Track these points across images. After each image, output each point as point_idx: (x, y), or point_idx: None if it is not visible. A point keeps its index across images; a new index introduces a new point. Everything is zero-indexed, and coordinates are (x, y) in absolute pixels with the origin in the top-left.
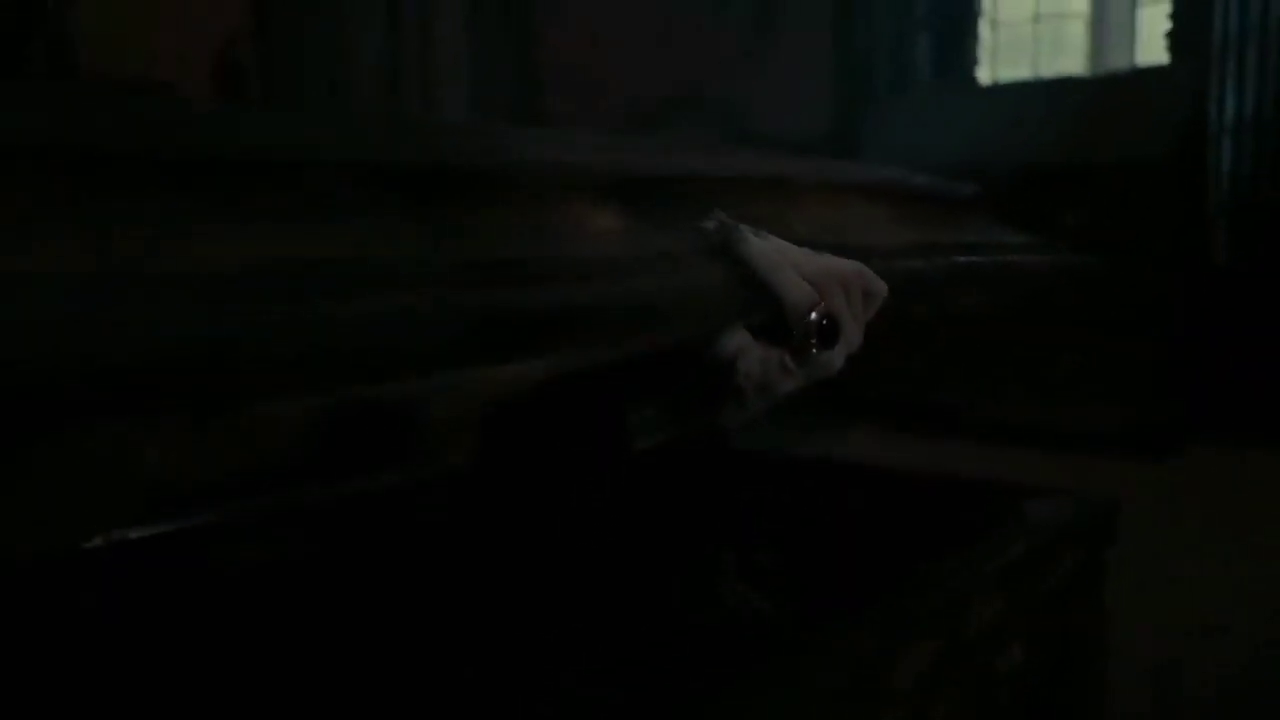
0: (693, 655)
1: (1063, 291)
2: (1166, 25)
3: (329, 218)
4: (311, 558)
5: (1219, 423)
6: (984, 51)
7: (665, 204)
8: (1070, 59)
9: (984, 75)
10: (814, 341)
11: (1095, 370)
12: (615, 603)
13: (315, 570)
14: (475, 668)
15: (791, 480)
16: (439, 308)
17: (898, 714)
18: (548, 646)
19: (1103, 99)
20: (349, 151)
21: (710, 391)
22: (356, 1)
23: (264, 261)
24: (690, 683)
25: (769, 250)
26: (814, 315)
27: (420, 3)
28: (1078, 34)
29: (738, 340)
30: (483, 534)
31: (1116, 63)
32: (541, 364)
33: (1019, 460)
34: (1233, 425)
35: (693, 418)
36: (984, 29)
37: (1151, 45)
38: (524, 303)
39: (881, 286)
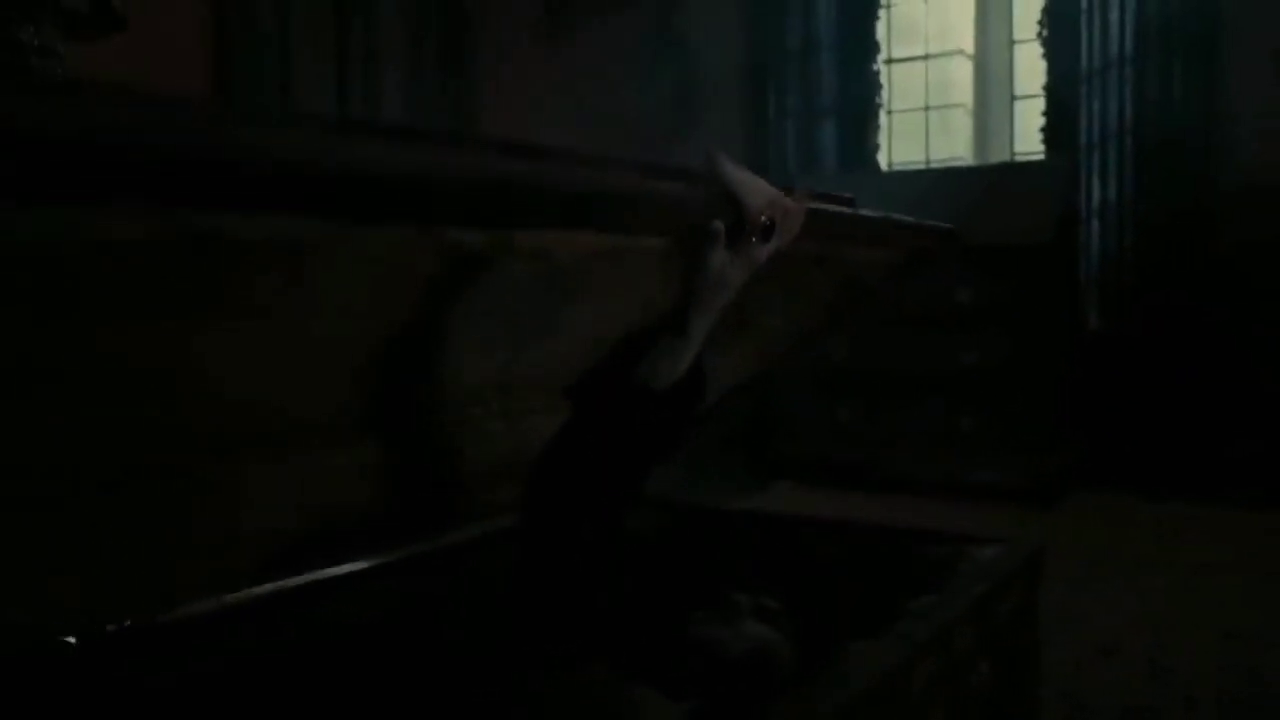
0: (745, 673)
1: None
2: (1040, 119)
3: None
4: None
5: (1098, 473)
6: (883, 137)
7: None
8: (957, 144)
9: (882, 159)
10: (756, 238)
11: (990, 428)
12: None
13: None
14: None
15: (766, 533)
16: None
17: (912, 716)
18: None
19: (992, 185)
20: None
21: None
22: (308, 74)
23: None
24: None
25: (738, 170)
26: (763, 217)
27: (367, 82)
28: (964, 122)
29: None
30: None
31: (997, 148)
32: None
33: (921, 509)
34: (1110, 475)
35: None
36: (883, 117)
37: (1027, 135)
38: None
39: (801, 209)
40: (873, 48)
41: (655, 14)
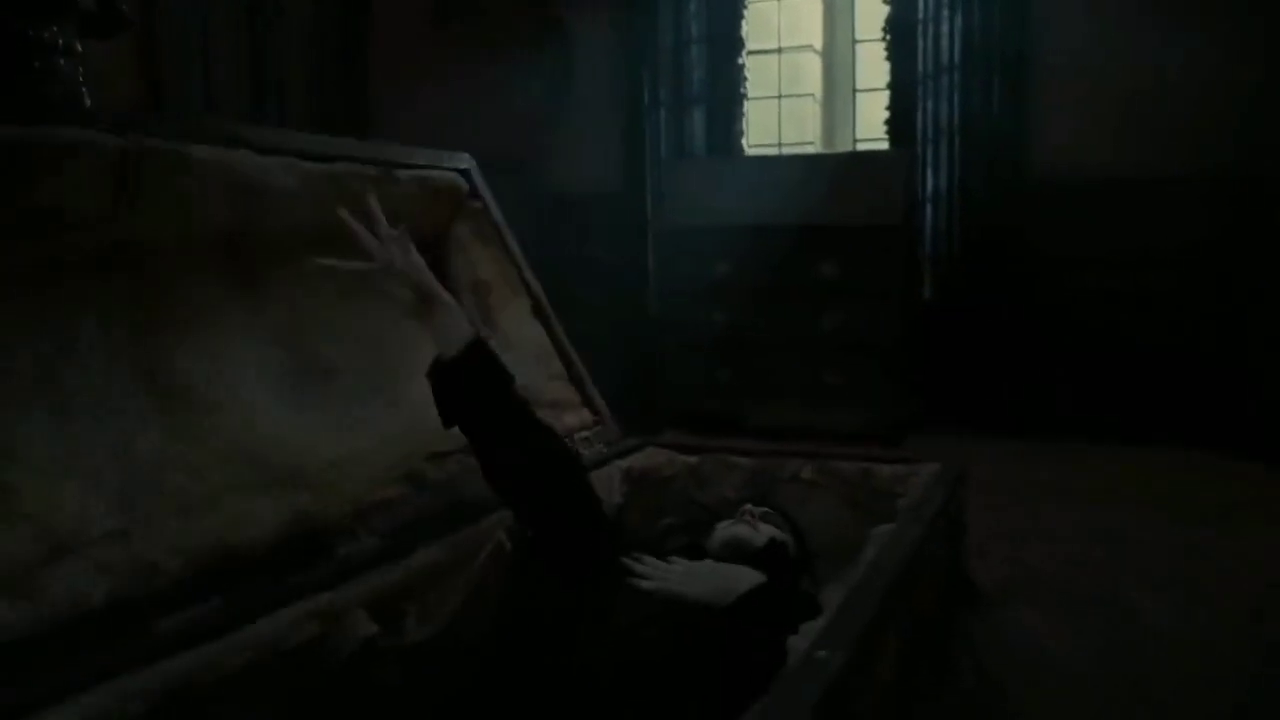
0: (765, 560)
1: None
2: (880, 111)
3: None
4: None
5: (933, 418)
6: (746, 124)
7: None
8: (805, 130)
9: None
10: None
11: (847, 383)
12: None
13: None
14: None
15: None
16: None
17: (919, 585)
18: None
19: (849, 172)
20: None
21: None
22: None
23: None
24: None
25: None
26: None
27: (280, 82)
28: (812, 110)
29: None
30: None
31: (842, 136)
32: None
33: None
34: (943, 420)
35: None
36: (747, 106)
37: (868, 125)
38: None
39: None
40: (738, 43)
41: (538, 6)
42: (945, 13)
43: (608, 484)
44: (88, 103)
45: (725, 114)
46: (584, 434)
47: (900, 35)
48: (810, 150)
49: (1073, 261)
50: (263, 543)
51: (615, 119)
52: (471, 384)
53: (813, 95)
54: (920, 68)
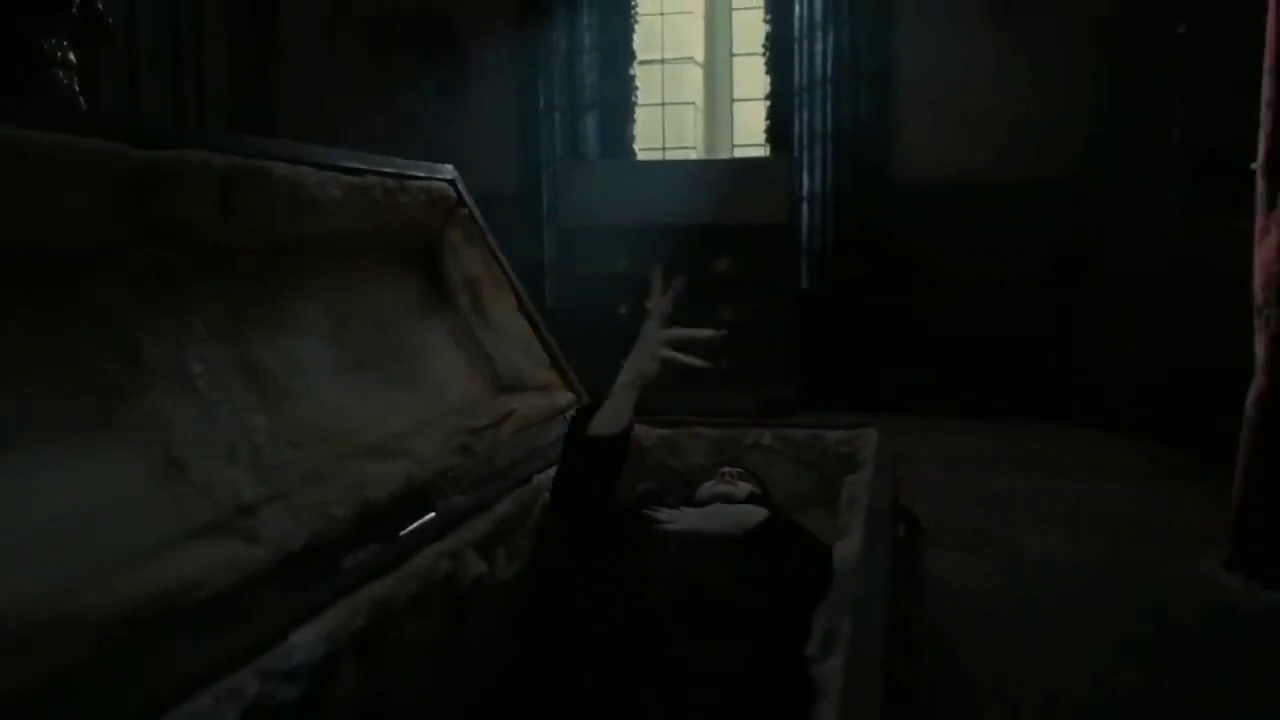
0: None
1: None
2: (757, 120)
3: None
4: None
5: (814, 396)
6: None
7: None
8: (686, 135)
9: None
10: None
11: (742, 367)
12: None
13: None
14: None
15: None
16: None
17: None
18: None
19: (740, 175)
20: None
21: None
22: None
23: None
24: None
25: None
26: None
27: (198, 89)
28: (694, 117)
29: None
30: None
31: (721, 142)
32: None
33: None
34: (823, 398)
35: None
36: (638, 113)
37: (745, 132)
38: None
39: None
40: (630, 53)
41: (432, 14)
42: (818, 32)
43: None
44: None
45: (618, 119)
46: (570, 412)
47: (779, 51)
48: (692, 154)
49: (932, 255)
50: (389, 500)
51: (511, 122)
52: (603, 457)
53: (694, 103)
54: (796, 80)
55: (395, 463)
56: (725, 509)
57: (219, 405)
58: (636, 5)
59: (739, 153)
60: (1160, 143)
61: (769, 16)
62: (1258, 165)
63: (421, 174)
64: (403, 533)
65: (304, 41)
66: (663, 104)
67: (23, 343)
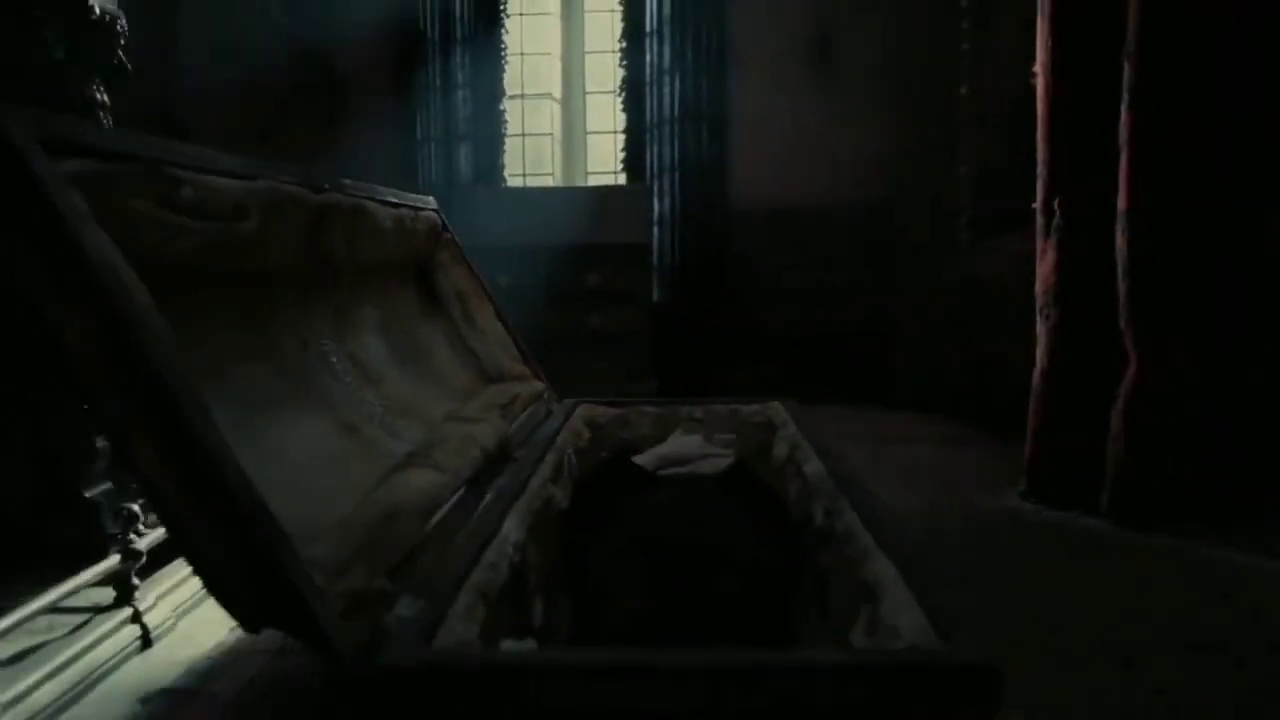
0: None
1: None
2: (611, 151)
3: None
4: None
5: (670, 393)
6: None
7: None
8: (544, 164)
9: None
10: None
11: (609, 368)
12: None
13: None
14: None
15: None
16: None
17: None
18: None
19: (606, 201)
20: None
21: None
22: None
23: None
24: None
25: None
26: None
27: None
28: (551, 149)
29: None
30: None
31: (576, 171)
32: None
33: None
34: (678, 394)
35: None
36: (509, 143)
37: (598, 161)
38: None
39: None
40: (501, 90)
41: (322, 62)
42: (666, 77)
43: (578, 428)
44: None
45: (490, 150)
46: (542, 398)
47: (633, 92)
48: (550, 181)
49: (767, 268)
50: (490, 450)
51: (389, 151)
52: None
53: (552, 135)
54: (649, 118)
55: (478, 426)
56: (697, 448)
57: (349, 385)
58: (506, 47)
59: (593, 180)
60: (952, 176)
61: (624, 62)
62: (1037, 204)
63: (421, 205)
64: (511, 463)
65: (214, 99)
66: (523, 135)
67: (245, 340)
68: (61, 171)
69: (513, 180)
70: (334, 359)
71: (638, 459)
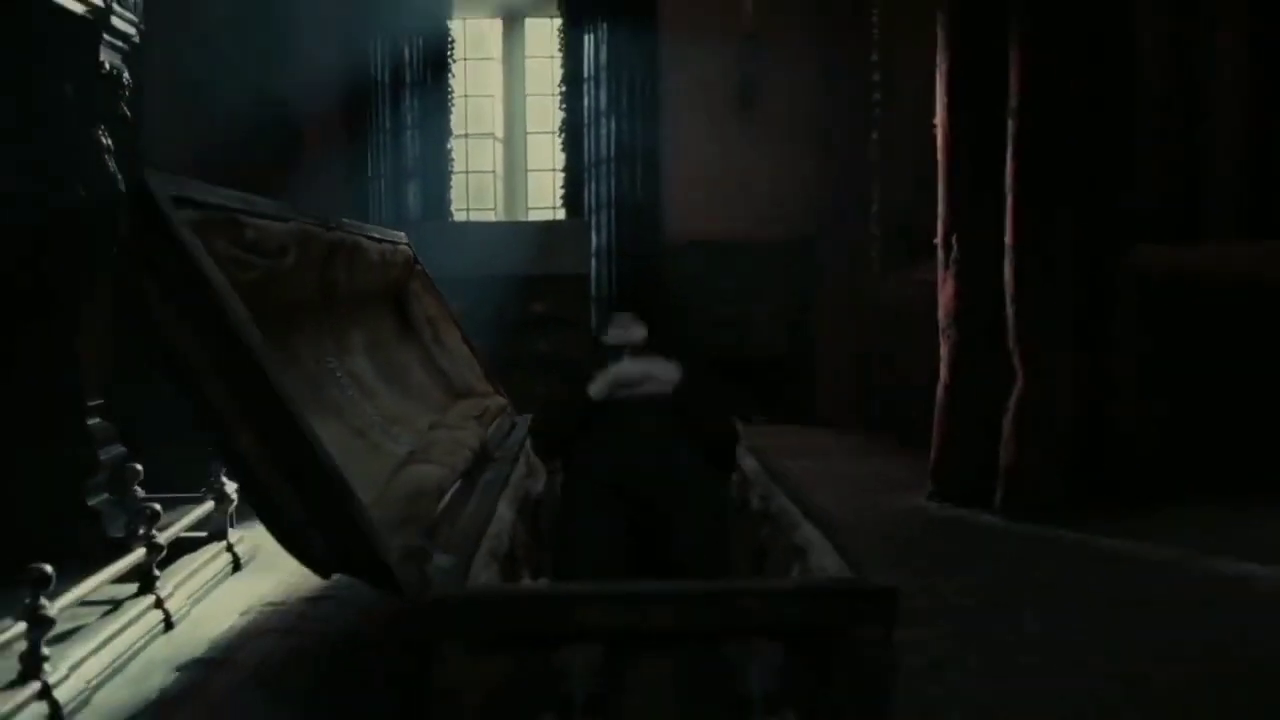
0: None
1: None
2: (550, 188)
3: None
4: None
5: None
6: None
7: None
8: (486, 200)
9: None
10: None
11: (553, 387)
12: None
13: None
14: None
15: None
16: None
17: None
18: None
19: (549, 235)
20: None
21: None
22: None
23: None
24: None
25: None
26: None
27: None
28: (493, 185)
29: None
30: None
31: (518, 206)
32: None
33: None
34: None
35: None
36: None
37: (537, 196)
38: None
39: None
40: (448, 129)
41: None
42: (603, 119)
43: None
44: (122, 188)
45: (438, 187)
46: (506, 412)
47: (572, 133)
48: (492, 216)
49: (697, 298)
50: (476, 451)
51: (341, 187)
52: None
53: (494, 172)
54: (586, 158)
55: (462, 432)
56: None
57: (352, 398)
58: (453, 90)
59: (533, 215)
60: (866, 213)
61: (564, 105)
62: (938, 240)
63: (396, 240)
64: (492, 463)
65: (177, 141)
66: (467, 172)
67: (277, 355)
68: (184, 219)
69: (458, 215)
70: (339, 374)
71: (591, 388)
